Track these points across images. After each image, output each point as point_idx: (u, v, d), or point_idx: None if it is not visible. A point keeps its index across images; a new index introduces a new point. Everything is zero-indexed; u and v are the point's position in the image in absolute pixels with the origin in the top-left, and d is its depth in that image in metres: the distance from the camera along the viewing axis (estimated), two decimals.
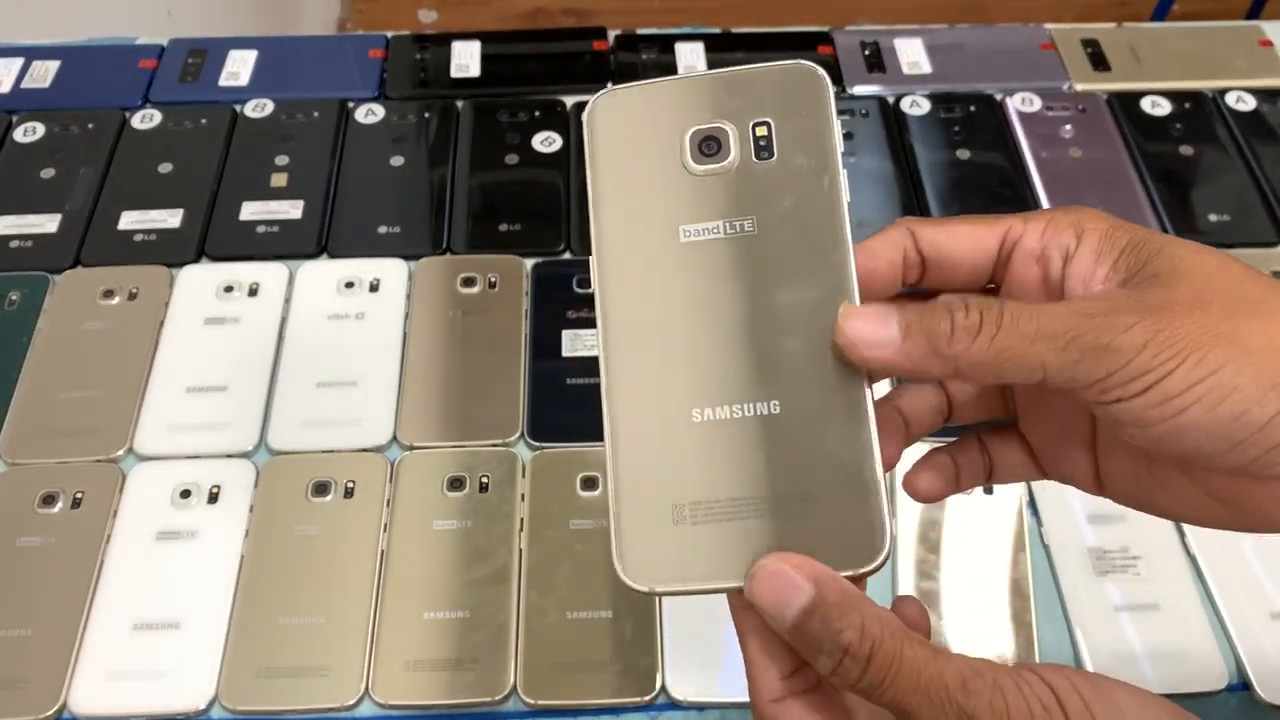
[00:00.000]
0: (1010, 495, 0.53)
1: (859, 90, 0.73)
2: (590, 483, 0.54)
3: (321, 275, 0.62)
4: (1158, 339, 0.26)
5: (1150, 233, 0.29)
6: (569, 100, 0.72)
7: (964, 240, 0.31)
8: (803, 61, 0.31)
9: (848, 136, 0.70)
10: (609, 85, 0.72)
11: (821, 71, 0.31)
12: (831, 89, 0.31)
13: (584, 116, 0.33)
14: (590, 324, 0.60)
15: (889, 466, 0.29)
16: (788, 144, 0.31)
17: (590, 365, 0.58)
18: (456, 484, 0.54)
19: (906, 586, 0.51)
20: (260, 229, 0.65)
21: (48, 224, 0.65)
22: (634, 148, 0.32)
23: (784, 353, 0.29)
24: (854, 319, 0.28)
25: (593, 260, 0.31)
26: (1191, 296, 0.27)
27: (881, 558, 0.27)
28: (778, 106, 0.31)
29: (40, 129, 0.70)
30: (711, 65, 0.75)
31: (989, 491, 0.54)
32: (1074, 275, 0.29)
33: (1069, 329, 0.27)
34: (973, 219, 0.31)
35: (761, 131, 0.31)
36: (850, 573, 0.27)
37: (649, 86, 0.32)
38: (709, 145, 0.31)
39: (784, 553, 0.27)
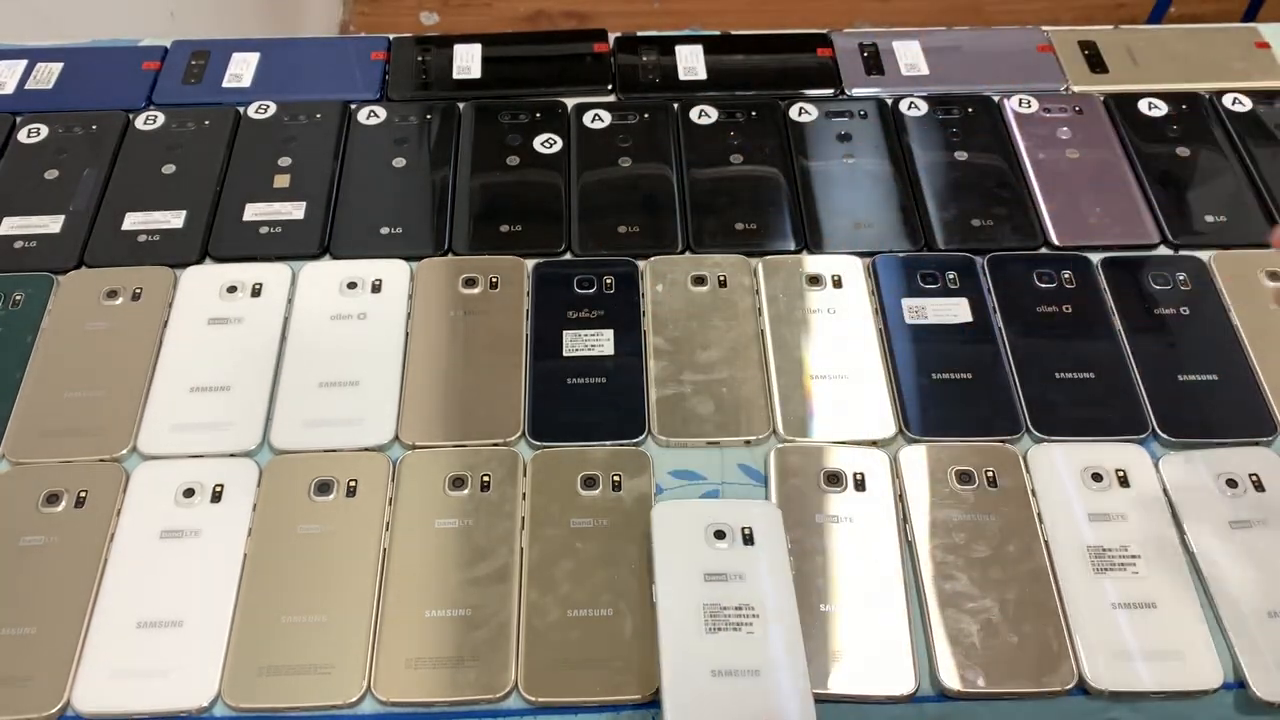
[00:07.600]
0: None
1: (857, 92, 0.74)
2: (590, 482, 0.54)
3: (324, 276, 0.63)
4: None
5: None
6: (569, 102, 0.73)
7: None
8: None
9: (847, 138, 0.70)
10: (609, 88, 0.73)
11: None
12: None
13: None
14: (590, 324, 0.60)
15: None
16: None
17: (590, 365, 0.59)
18: (458, 483, 0.54)
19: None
20: (263, 230, 0.65)
21: (51, 225, 0.65)
22: None
23: None
24: None
25: None
26: None
27: None
28: None
29: (44, 130, 0.70)
30: (711, 67, 0.75)
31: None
32: None
33: None
34: None
35: None
36: None
37: None
38: None
39: None
